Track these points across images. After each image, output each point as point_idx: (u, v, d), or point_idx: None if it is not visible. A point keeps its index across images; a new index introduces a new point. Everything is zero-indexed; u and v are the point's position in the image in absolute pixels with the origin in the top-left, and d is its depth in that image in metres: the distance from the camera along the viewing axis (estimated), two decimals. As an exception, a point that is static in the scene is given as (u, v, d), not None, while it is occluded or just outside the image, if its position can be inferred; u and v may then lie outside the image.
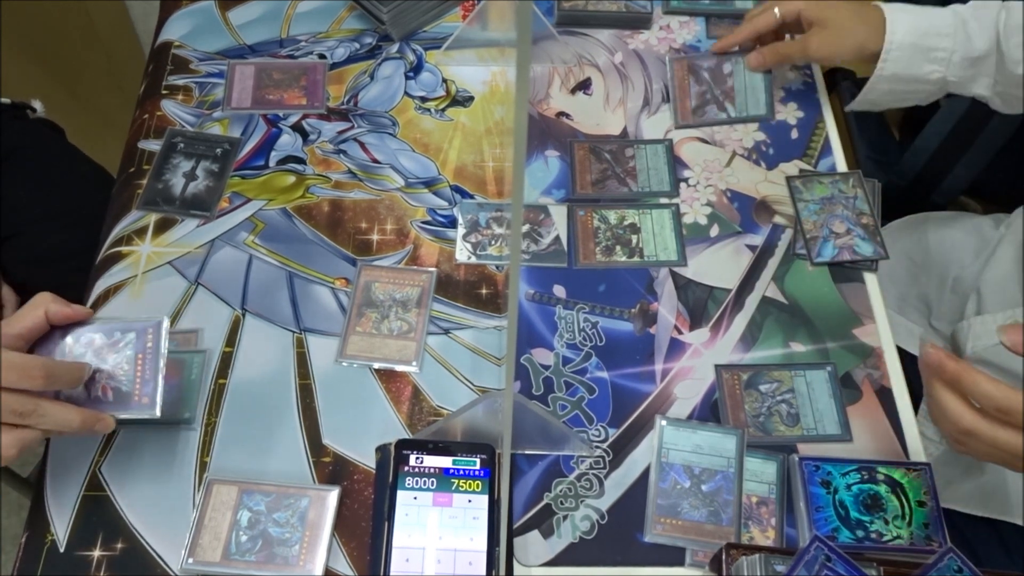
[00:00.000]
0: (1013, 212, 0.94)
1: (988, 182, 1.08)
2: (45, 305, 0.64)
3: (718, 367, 0.76)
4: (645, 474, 0.70)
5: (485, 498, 0.65)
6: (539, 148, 0.90)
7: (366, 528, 0.67)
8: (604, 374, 0.76)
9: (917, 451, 0.72)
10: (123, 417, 0.64)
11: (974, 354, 0.86)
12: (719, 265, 0.82)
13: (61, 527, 0.66)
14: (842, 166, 0.89)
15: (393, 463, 0.66)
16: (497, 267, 0.82)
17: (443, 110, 0.93)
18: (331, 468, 0.70)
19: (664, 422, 0.72)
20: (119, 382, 0.64)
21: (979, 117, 1.07)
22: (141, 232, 0.83)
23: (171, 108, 0.92)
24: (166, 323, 0.66)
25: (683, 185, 0.88)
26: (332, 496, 0.67)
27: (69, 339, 0.65)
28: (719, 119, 0.92)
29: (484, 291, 0.80)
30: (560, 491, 0.70)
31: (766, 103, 0.92)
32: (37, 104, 1.08)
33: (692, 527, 0.67)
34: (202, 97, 0.93)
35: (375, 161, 0.89)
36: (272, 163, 0.88)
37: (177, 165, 0.87)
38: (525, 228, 0.84)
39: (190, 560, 0.64)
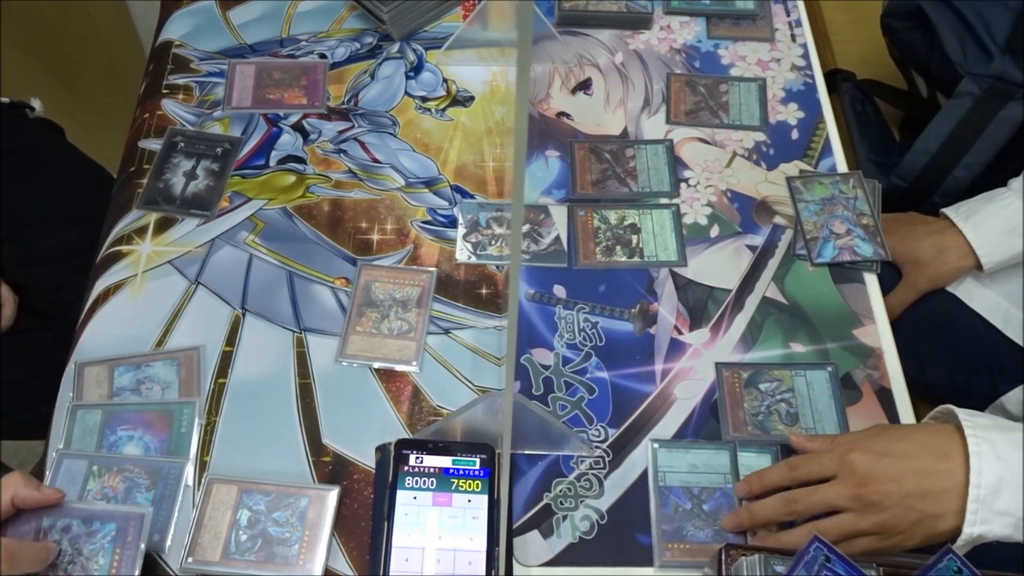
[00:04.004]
0: None
1: (988, 184, 1.08)
2: (13, 489, 0.60)
3: (718, 365, 0.76)
4: (645, 475, 0.70)
5: (485, 498, 0.65)
6: (539, 148, 0.90)
7: (366, 528, 0.67)
8: (604, 374, 0.76)
9: (917, 452, 0.72)
10: None
11: None
12: (719, 265, 0.82)
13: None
14: (842, 167, 0.89)
15: (393, 463, 0.66)
16: (497, 267, 0.82)
17: (443, 110, 0.93)
18: (331, 468, 0.70)
19: (656, 445, 0.71)
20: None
21: (980, 118, 1.07)
22: (141, 231, 0.83)
23: (172, 107, 0.92)
24: (149, 516, 0.62)
25: (683, 185, 0.88)
26: (332, 496, 0.67)
27: (46, 521, 0.62)
28: (712, 123, 0.92)
29: (484, 291, 0.80)
30: (560, 491, 0.69)
31: (760, 119, 0.93)
32: (36, 103, 1.08)
33: (700, 549, 0.66)
34: (203, 96, 0.93)
35: (375, 161, 0.89)
36: (272, 162, 0.88)
37: (177, 164, 0.87)
38: (525, 228, 0.84)
39: (190, 559, 0.64)
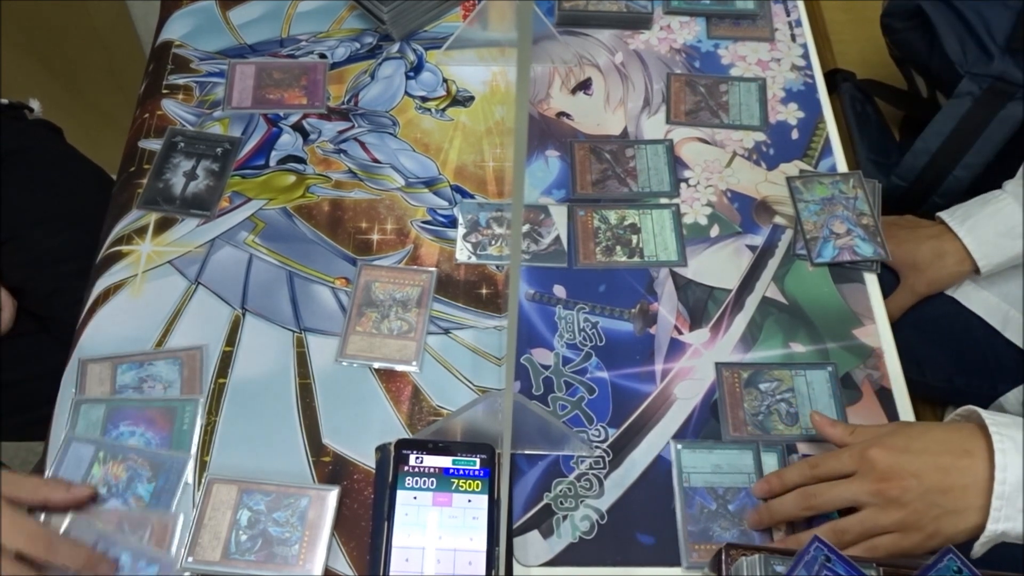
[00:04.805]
0: None
1: (989, 184, 1.08)
2: (50, 491, 0.65)
3: (718, 365, 0.76)
4: (645, 475, 0.70)
5: (485, 498, 0.65)
6: (539, 148, 0.90)
7: (366, 528, 0.67)
8: (604, 374, 0.76)
9: (917, 452, 0.72)
10: None
11: None
12: (719, 265, 0.82)
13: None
14: (842, 167, 0.89)
15: (393, 463, 0.66)
16: (497, 267, 0.82)
17: (443, 110, 0.93)
18: (331, 468, 0.70)
19: (680, 446, 0.71)
20: None
21: (980, 118, 1.07)
22: (141, 231, 0.83)
23: (172, 107, 0.92)
24: (214, 488, 0.67)
25: (683, 185, 0.88)
26: (332, 496, 0.67)
27: (100, 547, 0.65)
28: (712, 123, 0.92)
29: (484, 291, 0.80)
30: (560, 491, 0.69)
31: (760, 119, 0.93)
32: (35, 104, 1.07)
33: None
34: (203, 96, 0.93)
35: (375, 161, 0.89)
36: (272, 162, 0.88)
37: (177, 164, 0.87)
38: (525, 228, 0.84)
39: (190, 559, 0.64)
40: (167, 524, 0.66)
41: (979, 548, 0.62)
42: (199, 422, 0.71)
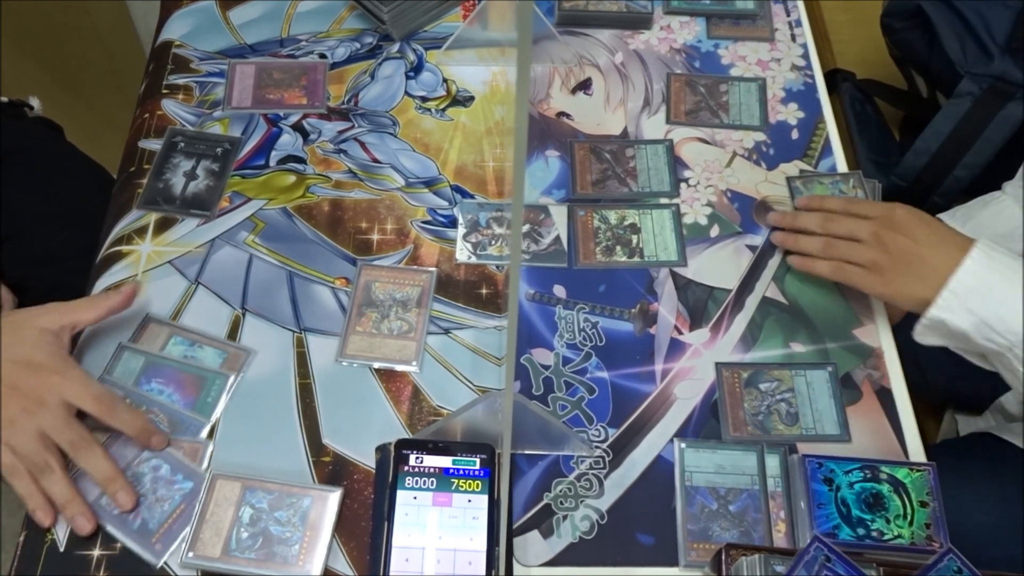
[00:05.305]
0: None
1: (988, 184, 1.09)
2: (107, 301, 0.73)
3: (718, 365, 0.76)
4: (645, 475, 0.70)
5: (485, 498, 0.65)
6: (539, 148, 0.90)
7: (366, 528, 0.67)
8: (604, 374, 0.76)
9: (917, 452, 0.72)
10: (124, 542, 0.65)
11: None
12: (719, 265, 0.82)
13: (61, 526, 0.66)
14: (842, 167, 0.89)
15: (393, 463, 0.66)
16: (497, 267, 0.82)
17: (443, 110, 0.93)
18: (331, 468, 0.70)
19: (683, 445, 0.71)
20: (151, 516, 0.66)
21: (980, 118, 1.08)
22: (141, 231, 0.83)
23: (172, 107, 0.92)
24: (218, 484, 0.68)
25: (683, 185, 0.88)
26: (334, 497, 0.67)
27: (145, 454, 0.69)
28: (712, 123, 0.92)
29: (484, 291, 0.80)
30: (560, 491, 0.69)
31: (760, 119, 0.93)
32: (35, 102, 1.07)
33: None
34: (203, 96, 0.93)
35: (375, 161, 0.89)
36: (272, 163, 0.88)
37: (177, 164, 0.87)
38: (525, 228, 0.84)
39: (190, 554, 0.64)
40: (197, 449, 0.70)
41: (920, 329, 0.72)
42: (224, 397, 0.73)
